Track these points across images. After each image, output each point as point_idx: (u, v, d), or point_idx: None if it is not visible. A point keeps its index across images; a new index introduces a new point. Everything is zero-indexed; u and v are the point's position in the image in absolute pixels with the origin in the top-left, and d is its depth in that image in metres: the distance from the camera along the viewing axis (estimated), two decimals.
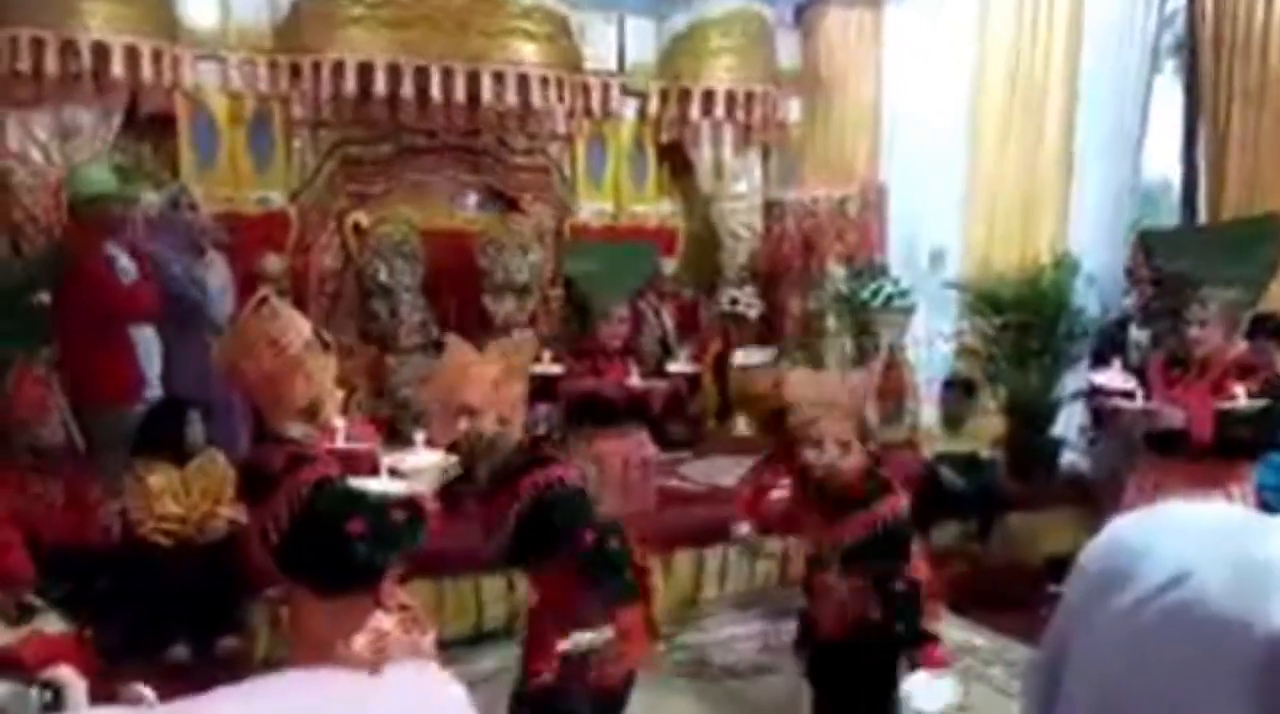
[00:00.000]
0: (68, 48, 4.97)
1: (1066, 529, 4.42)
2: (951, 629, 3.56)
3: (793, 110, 6.83)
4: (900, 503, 2.65)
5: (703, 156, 6.68)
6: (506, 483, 2.44)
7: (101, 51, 5.03)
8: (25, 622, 3.11)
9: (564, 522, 2.42)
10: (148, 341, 4.52)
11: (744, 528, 2.64)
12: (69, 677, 1.24)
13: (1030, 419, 5.34)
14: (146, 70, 5.16)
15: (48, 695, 1.19)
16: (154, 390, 4.47)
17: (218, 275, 4.82)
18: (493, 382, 2.48)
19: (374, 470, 2.10)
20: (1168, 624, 0.65)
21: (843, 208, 6.38)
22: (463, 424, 2.43)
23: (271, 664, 2.95)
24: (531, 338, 3.02)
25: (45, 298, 4.32)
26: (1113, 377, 3.15)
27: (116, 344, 4.37)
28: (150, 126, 5.49)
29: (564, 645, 2.34)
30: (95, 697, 2.83)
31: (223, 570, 3.66)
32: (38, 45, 4.92)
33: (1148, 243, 4.61)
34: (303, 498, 1.98)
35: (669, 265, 6.46)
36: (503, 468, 2.46)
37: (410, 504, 2.09)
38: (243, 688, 0.59)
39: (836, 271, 6.28)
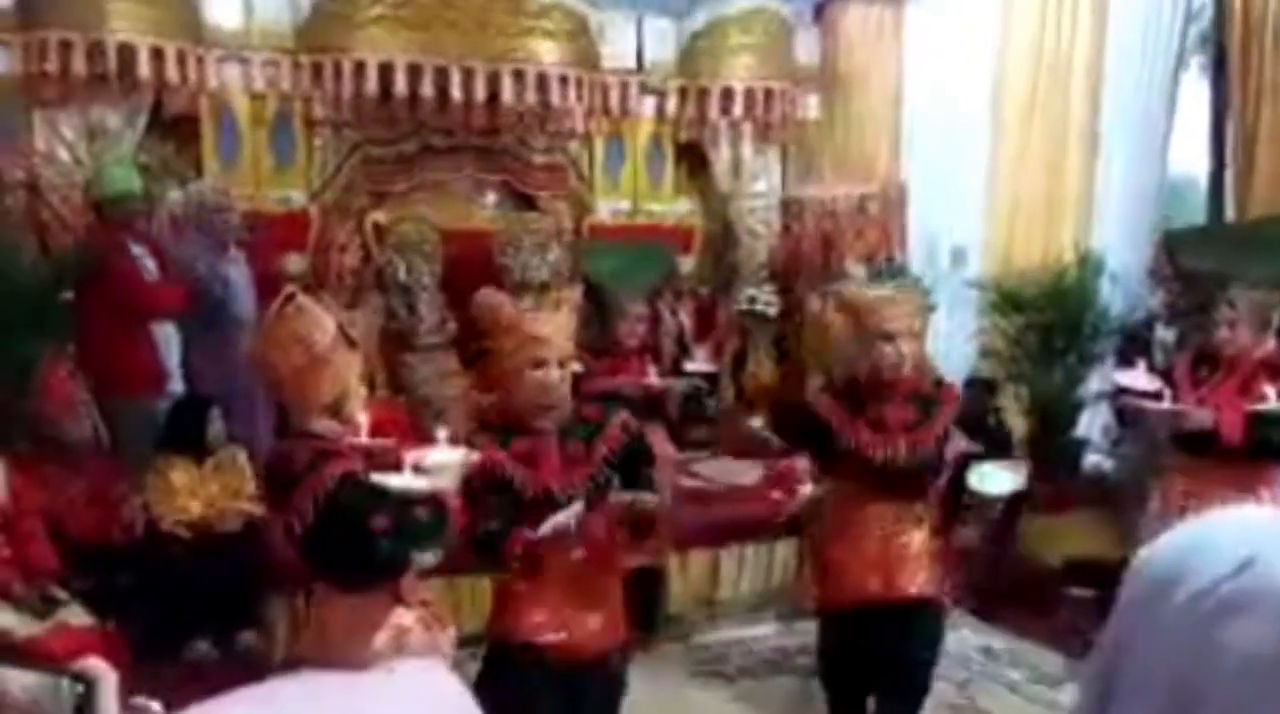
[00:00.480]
0: (95, 49, 5.01)
1: (1088, 532, 4.39)
2: (970, 632, 3.57)
3: (812, 108, 6.80)
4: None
5: (721, 155, 6.66)
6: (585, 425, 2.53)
7: (127, 53, 5.07)
8: (51, 615, 3.14)
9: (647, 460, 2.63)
10: (167, 337, 4.57)
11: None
12: (101, 669, 1.25)
13: (1053, 420, 5.30)
14: (171, 71, 5.21)
15: (79, 688, 1.19)
16: (175, 385, 4.52)
17: (240, 272, 4.86)
18: (562, 328, 2.54)
19: (398, 466, 2.11)
20: (1235, 610, 0.65)
21: (862, 206, 6.34)
22: (539, 373, 2.46)
23: (291, 660, 2.97)
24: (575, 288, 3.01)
25: (70, 295, 4.38)
26: (1138, 377, 3.12)
27: (138, 339, 4.43)
28: (175, 127, 5.54)
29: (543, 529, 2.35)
30: (121, 691, 2.87)
31: (244, 566, 3.70)
32: (65, 47, 4.97)
33: (1174, 242, 4.57)
34: (327, 493, 1.99)
35: (686, 264, 6.45)
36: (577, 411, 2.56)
37: (433, 501, 2.10)
38: (252, 692, 0.59)
39: (855, 270, 6.24)
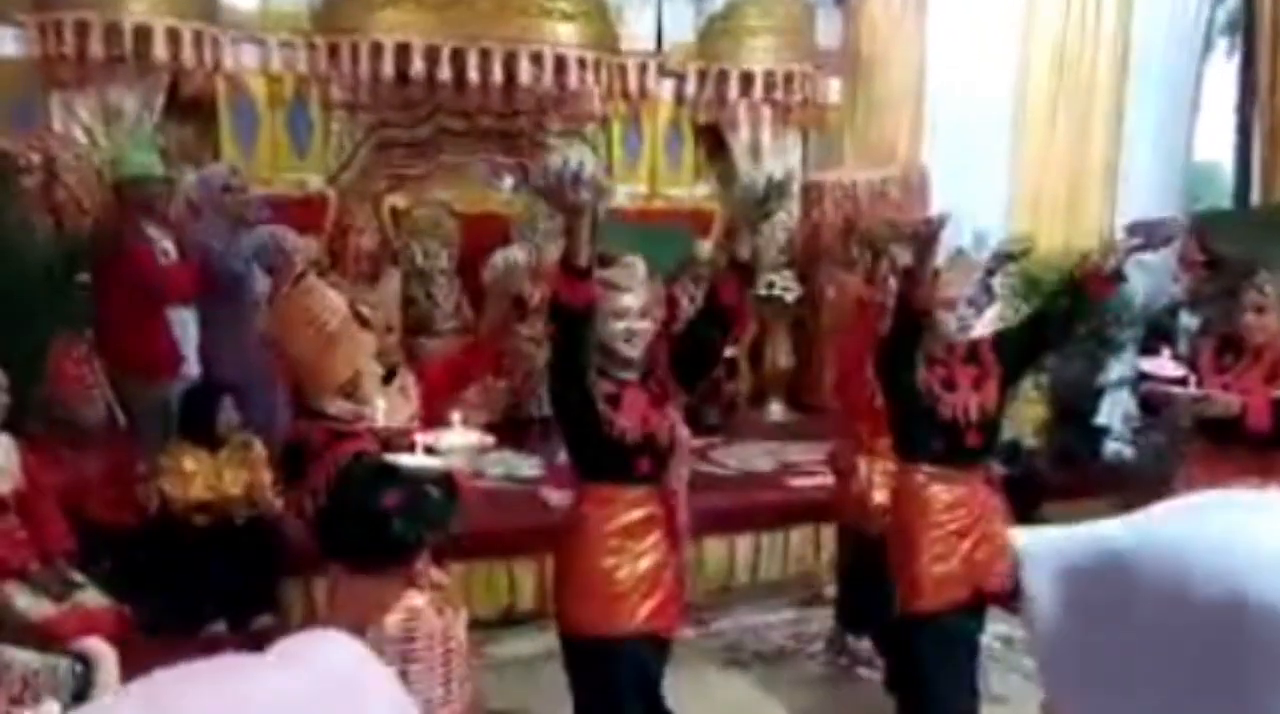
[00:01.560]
0: (111, 30, 5.01)
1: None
2: (990, 620, 3.51)
3: (833, 91, 6.72)
4: None
5: (740, 138, 6.60)
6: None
7: (144, 34, 5.07)
8: (67, 597, 3.16)
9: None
10: (184, 321, 4.57)
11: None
12: (100, 649, 1.23)
13: (1073, 407, 5.23)
14: (188, 53, 5.20)
15: (79, 668, 1.18)
16: (190, 368, 4.52)
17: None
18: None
19: (411, 448, 2.09)
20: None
21: (883, 191, 6.27)
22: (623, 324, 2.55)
23: None
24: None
25: (86, 278, 4.38)
26: (1163, 364, 3.07)
27: (154, 322, 4.43)
28: (191, 109, 5.54)
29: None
30: (134, 673, 2.87)
31: (259, 550, 3.70)
32: (81, 28, 4.98)
33: (1203, 226, 4.49)
34: (339, 472, 1.99)
35: (704, 248, 6.41)
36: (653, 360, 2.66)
37: (445, 481, 2.09)
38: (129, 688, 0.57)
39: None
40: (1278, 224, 4.08)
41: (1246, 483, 2.65)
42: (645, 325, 2.61)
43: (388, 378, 2.84)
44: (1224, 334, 3.22)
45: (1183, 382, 2.97)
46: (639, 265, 2.69)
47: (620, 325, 2.55)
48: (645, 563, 2.65)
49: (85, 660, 1.17)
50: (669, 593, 2.72)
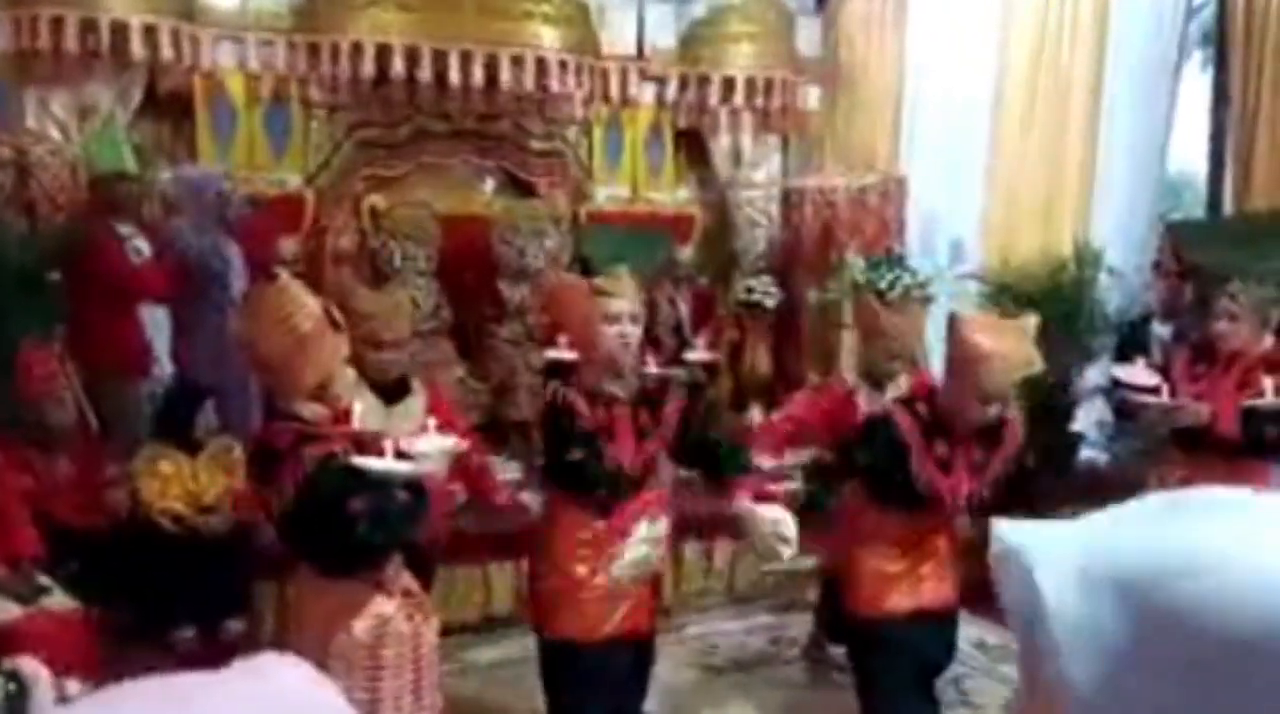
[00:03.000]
0: (87, 26, 4.95)
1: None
2: (965, 626, 3.53)
3: (813, 98, 6.75)
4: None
5: (721, 144, 6.61)
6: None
7: (120, 30, 5.01)
8: (35, 601, 3.10)
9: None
10: (157, 319, 4.52)
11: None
12: (34, 669, 1.21)
13: (1049, 414, 5.26)
14: (165, 50, 5.14)
15: (12, 686, 1.16)
16: (162, 368, 4.47)
17: (235, 254, 4.81)
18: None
19: (382, 452, 2.07)
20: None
21: (861, 198, 6.30)
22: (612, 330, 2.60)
23: (277, 648, 2.94)
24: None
25: (58, 276, 4.33)
26: (1136, 371, 3.09)
27: (125, 321, 4.38)
28: (168, 106, 5.48)
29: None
30: (103, 678, 2.83)
31: (230, 554, 3.66)
32: (57, 23, 4.91)
33: (1178, 235, 4.53)
34: (307, 475, 1.96)
35: (684, 252, 6.41)
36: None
37: (414, 485, 2.07)
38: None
39: (854, 261, 6.20)
40: (1250, 233, 4.12)
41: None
42: (636, 331, 2.64)
43: (398, 391, 2.77)
44: (1197, 342, 3.25)
45: (1156, 390, 2.98)
46: (626, 273, 2.72)
47: (614, 330, 2.58)
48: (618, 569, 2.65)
49: (19, 680, 1.15)
50: (642, 596, 2.71)
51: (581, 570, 2.63)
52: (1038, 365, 2.74)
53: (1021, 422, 2.88)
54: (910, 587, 2.88)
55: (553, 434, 2.65)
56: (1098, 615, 0.66)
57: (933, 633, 2.93)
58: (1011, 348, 2.67)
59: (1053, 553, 0.69)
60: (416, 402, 2.89)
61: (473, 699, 3.57)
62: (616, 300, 2.59)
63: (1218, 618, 0.62)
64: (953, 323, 2.74)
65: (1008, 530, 0.73)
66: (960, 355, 2.64)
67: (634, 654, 2.79)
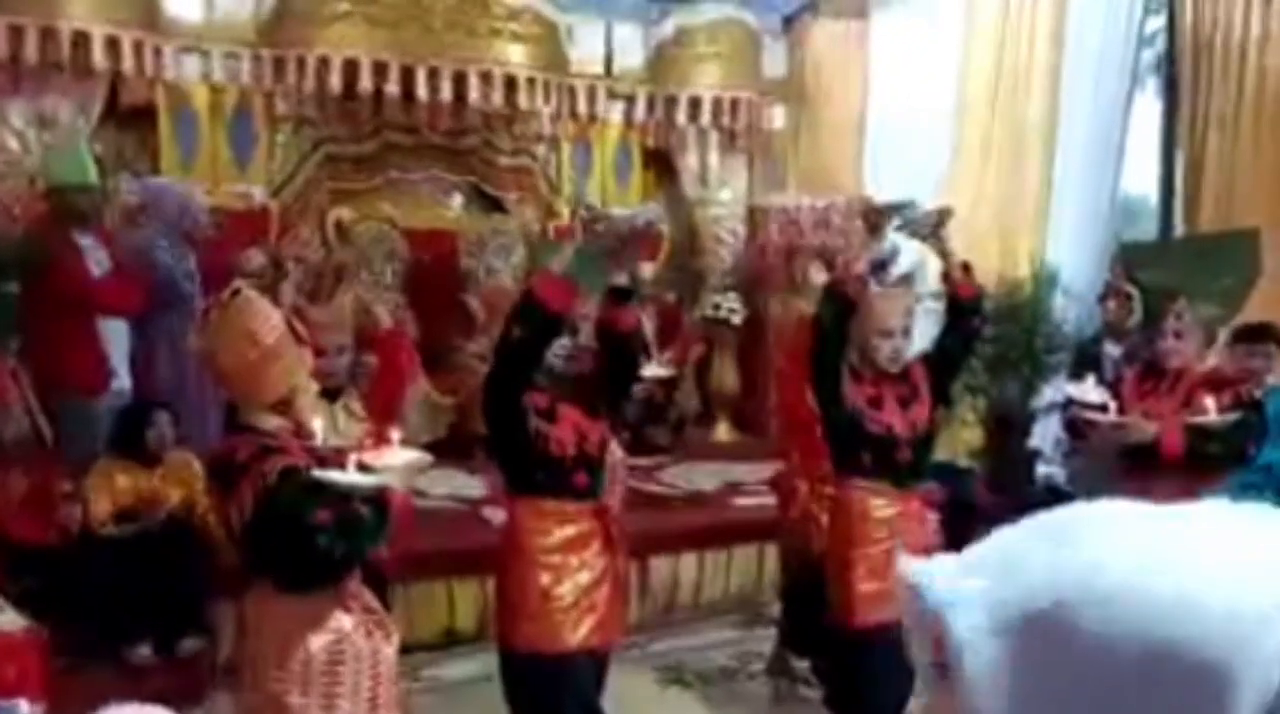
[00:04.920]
0: (47, 36, 4.91)
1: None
2: None
3: (778, 118, 6.85)
4: None
5: (688, 162, 6.69)
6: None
7: (81, 41, 4.98)
8: None
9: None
10: (117, 334, 4.47)
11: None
12: None
13: (1008, 431, 5.35)
14: (127, 61, 5.12)
15: None
16: (122, 382, 4.41)
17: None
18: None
19: (344, 465, 2.07)
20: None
21: (825, 217, 6.39)
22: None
23: (234, 665, 2.92)
24: None
25: (15, 288, 4.26)
26: (1087, 389, 3.15)
27: (83, 336, 4.31)
28: (131, 119, 5.44)
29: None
30: (55, 698, 2.78)
31: (186, 570, 3.61)
32: (16, 33, 4.87)
33: (1128, 256, 4.64)
34: (267, 487, 1.95)
35: (646, 269, 6.45)
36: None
37: (376, 499, 2.06)
38: None
39: (818, 279, 6.28)
40: (1197, 254, 4.24)
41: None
42: (578, 341, 2.69)
43: (332, 397, 2.83)
44: (1146, 361, 3.32)
45: (1104, 407, 3.05)
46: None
47: (558, 342, 2.59)
48: (584, 578, 2.67)
49: None
50: (609, 608, 2.72)
51: (548, 579, 2.63)
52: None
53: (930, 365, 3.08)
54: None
55: (499, 429, 2.68)
56: (1009, 651, 0.65)
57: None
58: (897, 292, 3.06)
59: (962, 589, 0.68)
60: (351, 401, 3.03)
61: None
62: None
63: (1123, 644, 0.62)
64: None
65: (916, 568, 0.72)
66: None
67: (599, 667, 2.79)
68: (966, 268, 3.06)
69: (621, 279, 2.77)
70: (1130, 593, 0.63)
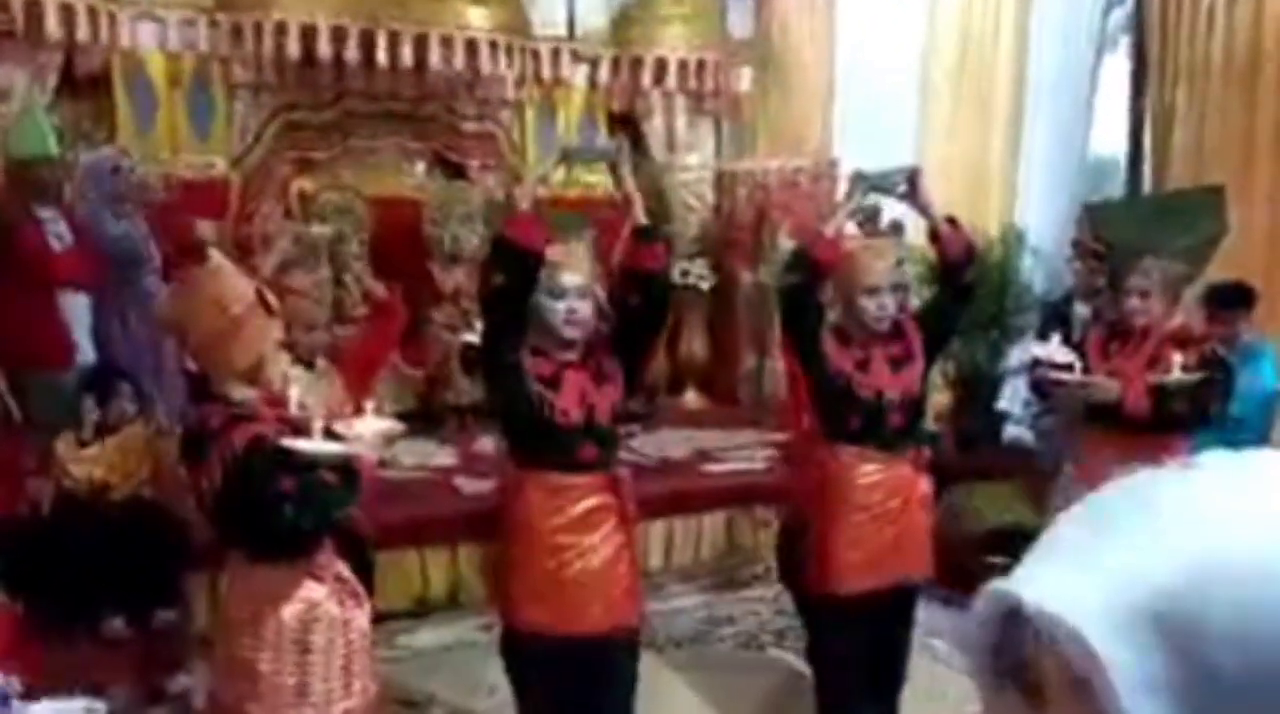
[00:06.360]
0: None
1: (1010, 501, 4.50)
2: (926, 613, 3.58)
3: (745, 80, 6.80)
4: None
5: (655, 126, 6.63)
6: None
7: (34, 9, 4.84)
8: None
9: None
10: (79, 307, 4.39)
11: None
12: None
13: (976, 392, 5.41)
14: (82, 29, 4.98)
15: None
16: (85, 356, 4.35)
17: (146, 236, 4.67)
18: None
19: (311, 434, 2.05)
20: None
21: (794, 180, 6.37)
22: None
23: (207, 637, 2.91)
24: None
25: None
26: (1053, 349, 3.17)
27: (45, 309, 4.26)
28: (87, 88, 5.31)
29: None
30: (31, 671, 2.76)
31: (160, 542, 3.59)
32: None
33: (1094, 215, 4.66)
34: (235, 456, 1.93)
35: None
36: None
37: (344, 467, 2.04)
38: None
39: (787, 244, 6.28)
40: (1165, 212, 4.27)
41: (1129, 467, 2.74)
42: (586, 306, 2.51)
43: (307, 366, 2.78)
44: (1113, 321, 3.34)
45: (1070, 367, 3.07)
46: (580, 246, 2.64)
47: (561, 305, 2.45)
48: (598, 557, 2.53)
49: None
50: (625, 586, 2.59)
51: (561, 559, 2.50)
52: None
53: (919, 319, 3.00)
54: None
55: (500, 396, 2.56)
56: (1151, 662, 0.54)
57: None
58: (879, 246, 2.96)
59: (1085, 602, 0.56)
60: (327, 368, 2.98)
61: (410, 685, 3.56)
62: (564, 274, 2.47)
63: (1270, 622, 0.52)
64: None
65: (1015, 584, 0.59)
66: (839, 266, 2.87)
67: (622, 648, 2.64)
68: (953, 222, 2.96)
69: (641, 218, 2.63)
70: (1262, 566, 0.53)
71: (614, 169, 2.80)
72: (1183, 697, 0.53)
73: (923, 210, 2.99)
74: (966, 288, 3.02)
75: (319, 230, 5.45)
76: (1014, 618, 0.59)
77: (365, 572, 2.92)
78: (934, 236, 2.97)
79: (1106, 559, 0.57)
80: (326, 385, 2.88)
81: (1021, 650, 0.59)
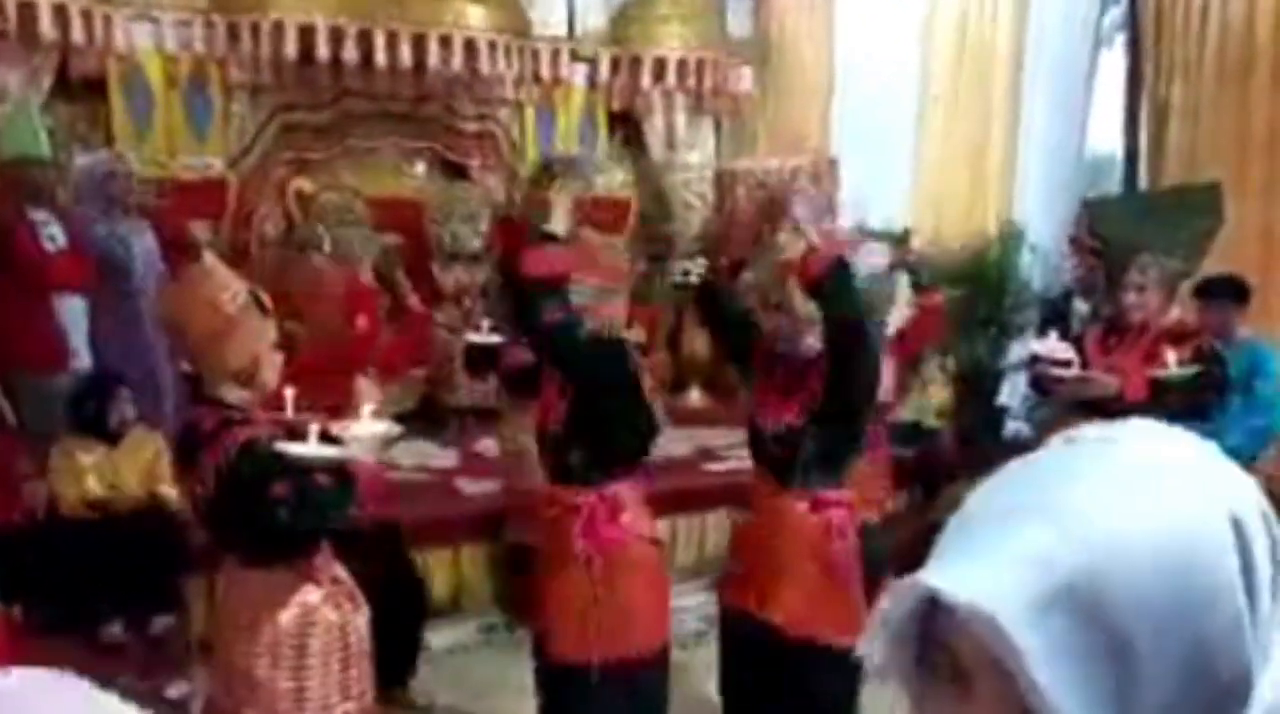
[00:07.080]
0: None
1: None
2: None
3: (745, 80, 6.79)
4: None
5: (655, 126, 6.62)
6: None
7: (29, 11, 4.83)
8: None
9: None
10: (74, 311, 4.39)
11: None
12: None
13: (976, 388, 5.41)
14: (76, 31, 4.97)
15: None
16: (81, 360, 4.34)
17: (141, 240, 4.67)
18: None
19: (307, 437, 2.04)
20: None
21: (793, 179, 6.36)
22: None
23: (205, 642, 2.90)
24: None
25: None
26: (1052, 345, 3.17)
27: (39, 312, 4.25)
28: (83, 90, 5.30)
29: None
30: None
31: (157, 547, 3.58)
32: None
33: (1091, 211, 4.66)
34: (229, 460, 1.92)
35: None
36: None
37: (338, 471, 2.03)
38: None
39: (788, 243, 6.26)
40: (1160, 208, 4.27)
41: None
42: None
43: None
44: (1110, 316, 3.34)
45: (1069, 363, 3.07)
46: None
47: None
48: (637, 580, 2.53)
49: None
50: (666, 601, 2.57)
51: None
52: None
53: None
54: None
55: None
56: (1063, 633, 0.57)
57: None
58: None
59: (997, 585, 0.58)
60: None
61: (412, 687, 3.56)
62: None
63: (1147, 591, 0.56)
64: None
65: (928, 577, 0.61)
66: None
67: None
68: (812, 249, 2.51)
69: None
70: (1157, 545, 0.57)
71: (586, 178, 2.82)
72: (1093, 662, 0.57)
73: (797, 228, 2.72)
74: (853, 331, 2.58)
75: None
76: (933, 609, 0.62)
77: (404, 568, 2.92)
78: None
79: (1013, 543, 0.60)
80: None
81: (944, 638, 0.62)
